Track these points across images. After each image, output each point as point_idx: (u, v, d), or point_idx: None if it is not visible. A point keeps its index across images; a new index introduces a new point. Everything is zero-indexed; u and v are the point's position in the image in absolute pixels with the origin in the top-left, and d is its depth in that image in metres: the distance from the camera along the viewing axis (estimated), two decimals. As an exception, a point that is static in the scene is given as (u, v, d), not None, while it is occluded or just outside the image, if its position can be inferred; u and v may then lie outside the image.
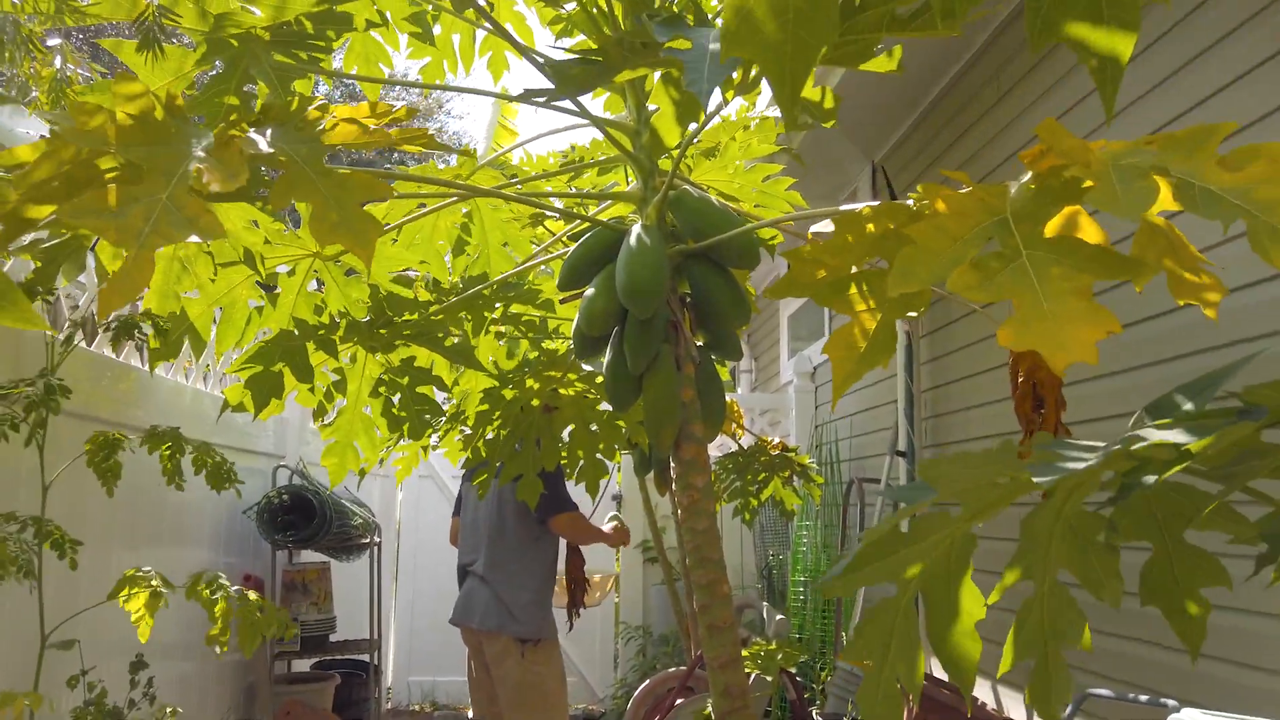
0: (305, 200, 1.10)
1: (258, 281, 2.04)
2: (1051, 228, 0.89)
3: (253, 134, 1.14)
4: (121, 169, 1.02)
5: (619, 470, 6.50)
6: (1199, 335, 2.31)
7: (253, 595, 2.52)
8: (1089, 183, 0.88)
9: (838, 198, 5.21)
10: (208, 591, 2.42)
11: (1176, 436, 0.57)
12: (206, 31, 1.67)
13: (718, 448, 5.91)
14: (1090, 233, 0.96)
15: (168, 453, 2.73)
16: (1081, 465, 0.55)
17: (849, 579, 0.64)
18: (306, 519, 4.75)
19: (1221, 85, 2.25)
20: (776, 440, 4.17)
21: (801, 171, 4.75)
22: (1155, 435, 0.58)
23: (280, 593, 4.90)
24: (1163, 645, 2.42)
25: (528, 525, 3.80)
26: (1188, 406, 0.63)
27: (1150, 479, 0.57)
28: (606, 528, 4.16)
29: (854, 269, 1.01)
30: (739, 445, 4.16)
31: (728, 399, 4.65)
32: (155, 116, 1.13)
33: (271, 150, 1.09)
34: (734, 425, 4.49)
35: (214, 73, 1.78)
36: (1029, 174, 0.95)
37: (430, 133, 1.38)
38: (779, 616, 4.44)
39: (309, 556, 5.26)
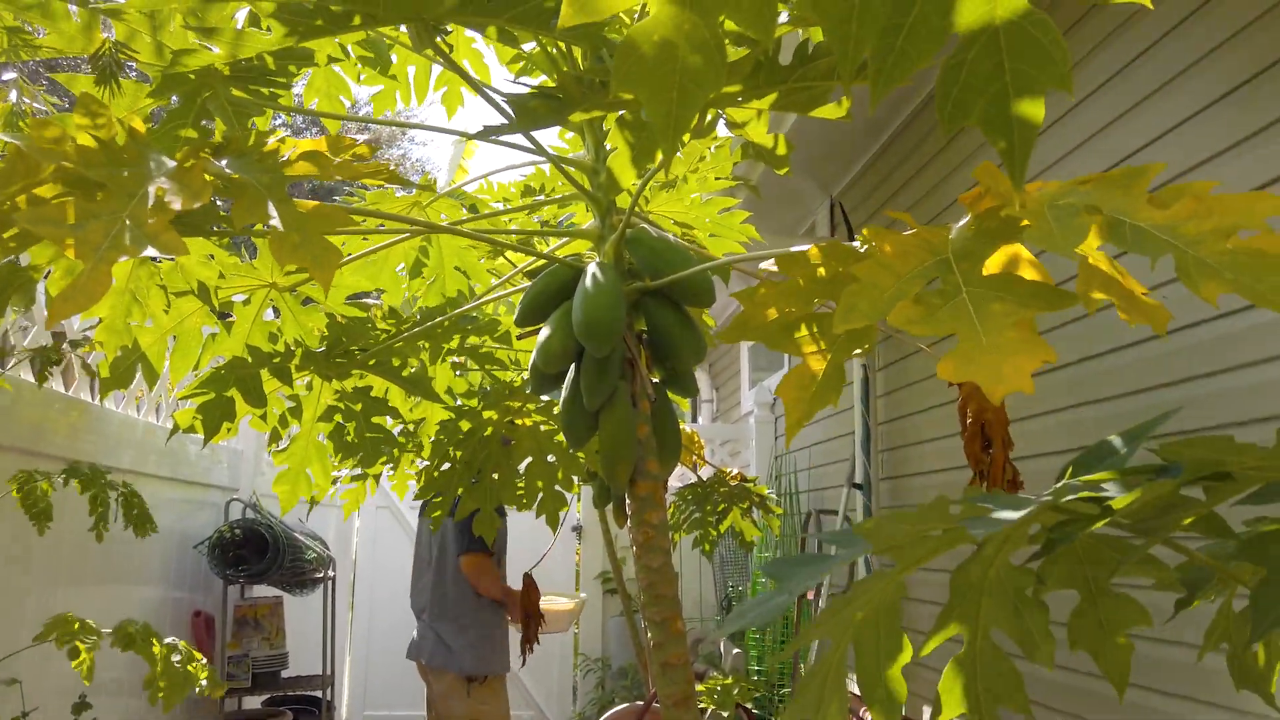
0: (265, 221, 1.10)
1: (213, 310, 2.02)
2: (992, 265, 0.91)
3: (215, 162, 1.14)
4: (82, 187, 1.01)
5: (579, 501, 6.48)
6: (1138, 375, 2.37)
7: (181, 645, 2.46)
8: (1026, 221, 0.90)
9: (796, 231, 5.27)
10: (137, 639, 2.35)
11: (1102, 493, 0.59)
12: (163, 67, 1.67)
13: (678, 478, 5.91)
14: (1026, 267, 0.99)
15: (91, 493, 2.65)
16: (1012, 518, 0.56)
17: (796, 645, 0.65)
18: (259, 553, 4.68)
19: (1159, 133, 2.32)
20: (736, 471, 4.19)
21: (760, 205, 4.81)
22: (1081, 492, 0.59)
23: (231, 628, 4.81)
24: (1080, 671, 2.45)
25: None
26: (1124, 452, 0.65)
27: (1075, 533, 0.58)
28: (564, 602, 4.17)
29: (803, 311, 1.03)
30: (698, 476, 4.17)
31: (688, 429, 4.67)
32: (117, 141, 1.13)
33: (234, 176, 1.10)
34: (694, 456, 4.49)
35: (171, 108, 1.77)
36: (969, 216, 0.98)
37: (391, 167, 1.39)
38: (735, 650, 4.43)
39: (261, 591, 5.17)
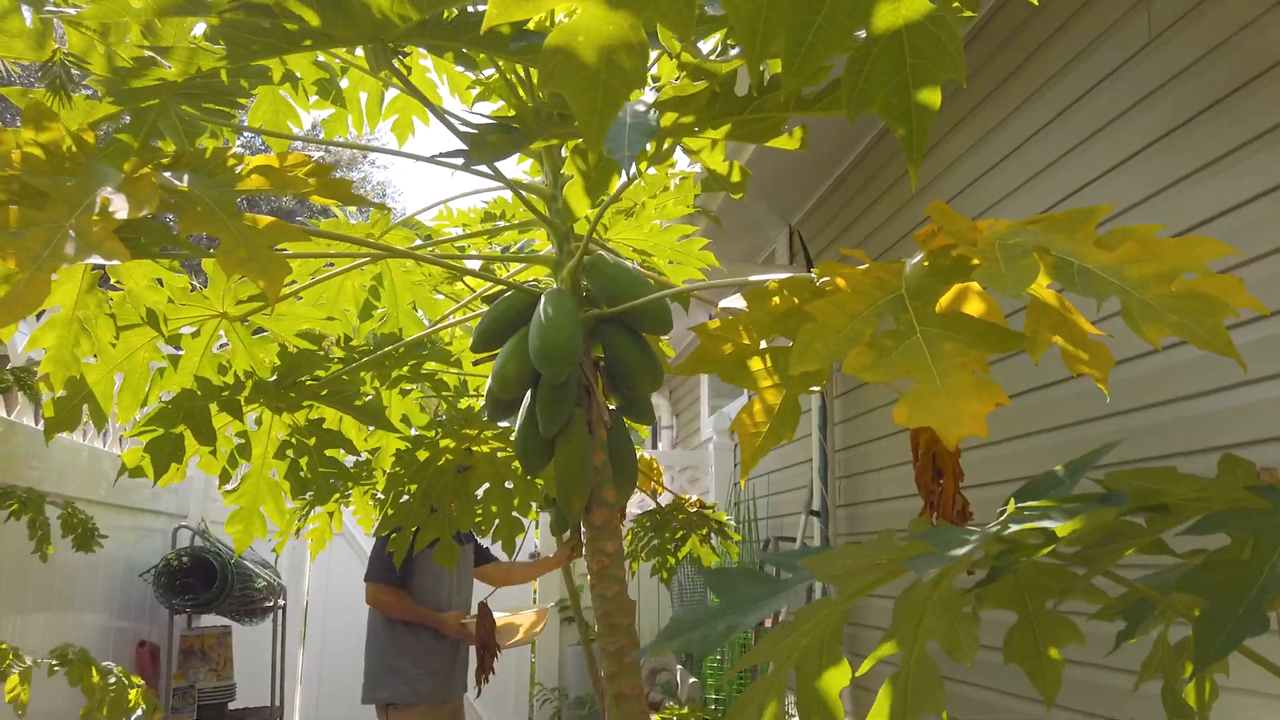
0: (215, 234, 1.07)
1: (161, 344, 1.97)
2: (944, 302, 0.92)
3: (165, 175, 1.12)
4: (28, 197, 0.99)
5: (537, 528, 6.42)
6: (1087, 405, 2.40)
7: (118, 669, 2.39)
8: (976, 261, 0.91)
9: (756, 259, 5.31)
10: (73, 667, 2.28)
11: (1045, 522, 0.59)
12: (117, 81, 1.64)
13: (636, 505, 5.89)
14: (977, 305, 1.00)
15: (27, 516, 2.57)
16: (960, 553, 0.56)
17: (743, 663, 0.65)
18: (207, 582, 4.57)
19: (1101, 172, 2.38)
20: (695, 498, 4.17)
21: (720, 233, 4.83)
22: (1026, 522, 0.60)
23: (177, 659, 4.69)
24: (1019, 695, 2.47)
25: None
26: (1067, 483, 0.66)
27: (1020, 562, 0.59)
28: (527, 614, 4.06)
29: (759, 345, 1.03)
30: (657, 503, 4.15)
31: (647, 456, 4.65)
32: (64, 151, 1.10)
33: (183, 188, 1.07)
34: (653, 483, 4.48)
35: (120, 125, 1.74)
36: (922, 252, 0.98)
37: (351, 183, 1.37)
38: (691, 680, 4.40)
39: (209, 620, 5.05)
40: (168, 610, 4.60)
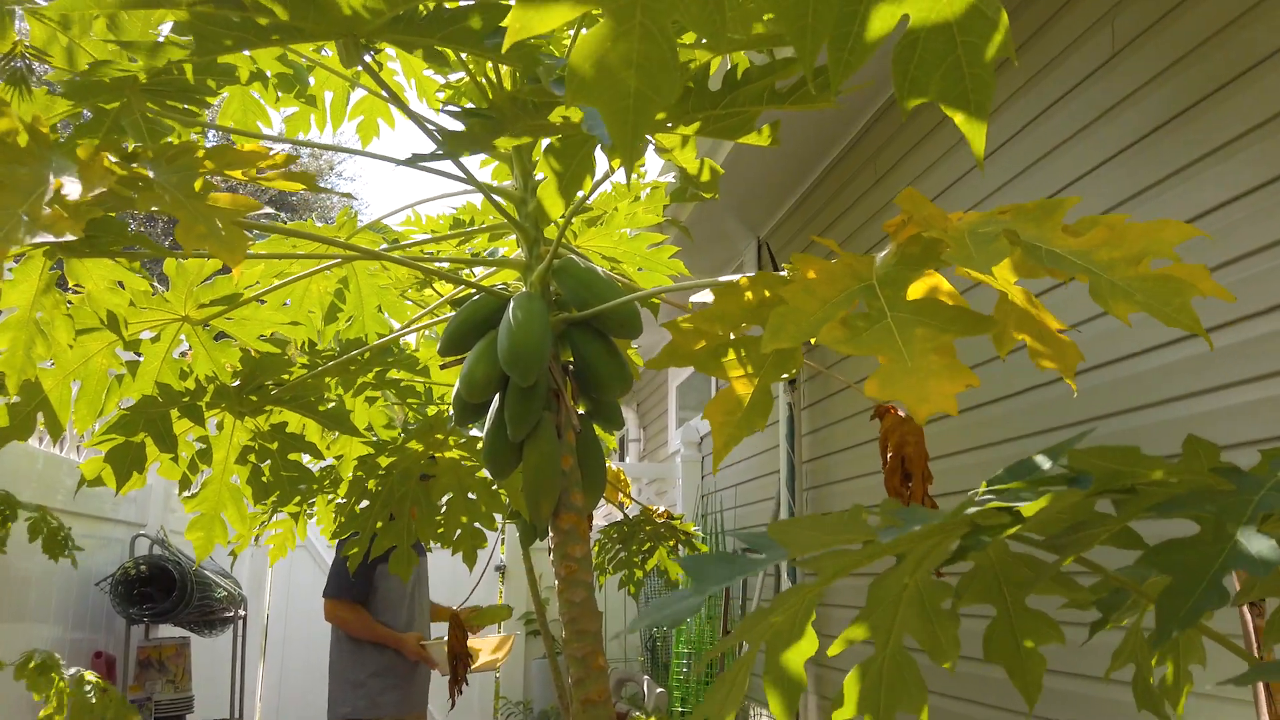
0: (172, 214, 1.05)
1: (120, 351, 1.93)
2: (914, 290, 0.92)
3: (115, 159, 1.10)
4: None
5: (502, 541, 6.38)
6: (1054, 412, 2.43)
7: (90, 676, 2.34)
8: (946, 245, 0.92)
9: (724, 271, 5.32)
10: (39, 672, 2.22)
11: (1011, 502, 0.59)
12: (78, 74, 1.61)
13: (603, 517, 5.87)
14: (948, 300, 1.00)
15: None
16: (924, 527, 0.56)
17: (719, 649, 0.64)
18: (165, 591, 4.48)
19: (1075, 177, 2.41)
20: (662, 509, 4.16)
21: (689, 245, 4.84)
22: (991, 502, 0.60)
23: (134, 670, 4.59)
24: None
25: None
26: (1047, 466, 0.66)
27: (986, 540, 0.59)
28: (486, 638, 3.92)
29: (731, 336, 1.02)
30: (624, 515, 4.14)
31: (614, 467, 4.64)
32: (19, 141, 1.07)
33: (139, 168, 1.05)
34: (620, 495, 4.46)
35: (81, 123, 1.70)
36: (892, 244, 0.99)
37: (315, 174, 1.35)
38: (658, 690, 4.38)
39: (167, 631, 4.96)
40: (125, 620, 4.51)
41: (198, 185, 1.04)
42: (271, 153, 1.14)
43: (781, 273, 1.08)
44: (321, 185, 1.36)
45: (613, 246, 2.36)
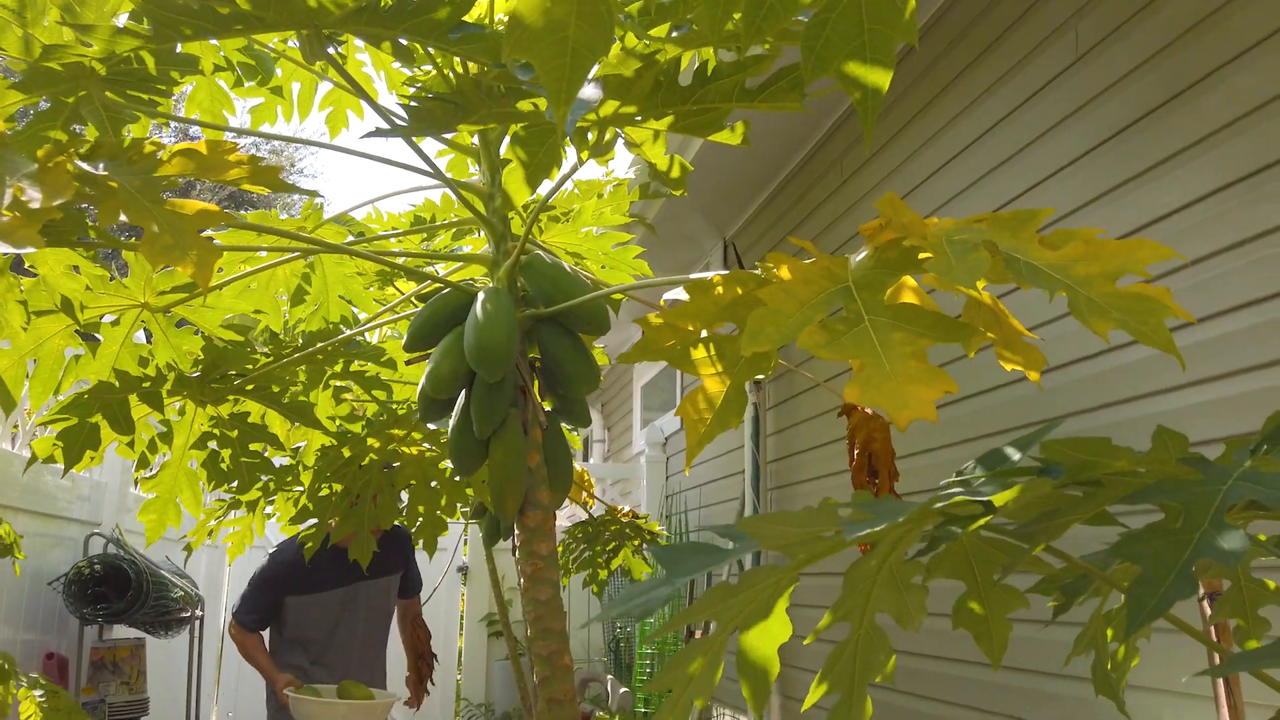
0: (137, 222, 1.02)
1: (78, 331, 1.90)
2: (891, 294, 0.93)
3: (81, 163, 1.07)
4: None
5: (465, 542, 6.34)
6: (1021, 411, 2.45)
7: (40, 679, 2.28)
8: (925, 254, 0.92)
9: (691, 271, 5.33)
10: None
11: (983, 492, 0.60)
12: (34, 63, 1.57)
13: (568, 518, 5.85)
14: (916, 300, 1.01)
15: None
16: (895, 519, 0.56)
17: (678, 621, 0.64)
18: (120, 591, 4.39)
19: (1041, 179, 2.44)
20: (627, 509, 4.16)
21: (655, 244, 4.84)
22: (957, 496, 0.60)
23: (87, 672, 4.50)
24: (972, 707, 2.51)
25: None
26: (1017, 457, 0.66)
27: (957, 530, 0.59)
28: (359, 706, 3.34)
29: (704, 333, 1.02)
30: (589, 515, 4.13)
31: (579, 468, 4.62)
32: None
33: (101, 174, 1.03)
34: (585, 495, 4.45)
35: (39, 111, 1.67)
36: (869, 247, 0.99)
37: (280, 169, 1.33)
38: (622, 689, 4.38)
39: (122, 632, 4.86)
40: (78, 621, 4.42)
41: (160, 172, 1.01)
42: (238, 148, 1.12)
43: (756, 266, 1.08)
44: (286, 182, 1.33)
45: (578, 243, 2.35)
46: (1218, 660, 1.28)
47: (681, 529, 5.35)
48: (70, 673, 4.42)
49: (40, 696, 2.22)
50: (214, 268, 0.94)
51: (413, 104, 1.20)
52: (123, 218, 1.04)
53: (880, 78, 0.80)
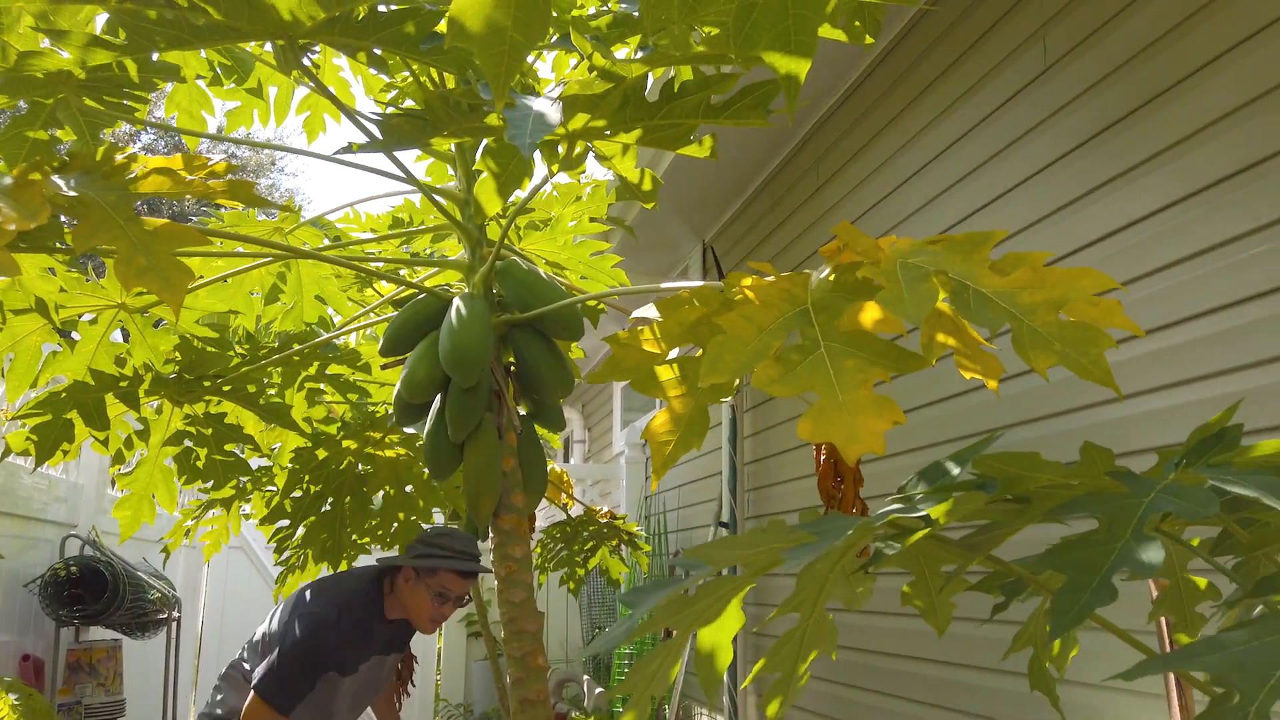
0: (110, 245, 1.04)
1: (54, 327, 1.91)
2: (847, 319, 0.95)
3: (56, 179, 1.08)
4: None
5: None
6: (986, 418, 2.50)
7: (14, 681, 2.29)
8: (880, 283, 0.94)
9: (670, 274, 5.36)
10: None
11: (920, 508, 0.63)
12: (9, 69, 1.58)
13: (546, 518, 5.87)
14: (877, 317, 1.03)
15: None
16: (834, 540, 0.59)
17: (643, 629, 0.67)
18: (97, 593, 4.38)
19: (1005, 189, 2.48)
20: (605, 510, 4.19)
21: (635, 248, 4.86)
22: (903, 509, 0.63)
23: (63, 673, 4.48)
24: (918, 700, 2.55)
25: None
26: (955, 471, 0.69)
27: (896, 545, 0.62)
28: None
29: (668, 354, 1.04)
30: (567, 515, 4.15)
31: (558, 468, 4.64)
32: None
33: (76, 194, 1.04)
34: (563, 495, 4.47)
35: (18, 114, 1.68)
36: (829, 267, 1.01)
37: (254, 184, 1.35)
38: (598, 690, 4.40)
39: (98, 634, 4.85)
40: (54, 622, 4.40)
41: (135, 189, 1.03)
42: (211, 161, 1.14)
43: (719, 277, 1.11)
44: (260, 197, 1.35)
45: (556, 252, 2.38)
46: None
47: (660, 529, 5.37)
48: (46, 674, 4.40)
49: (15, 700, 2.23)
50: (185, 290, 0.96)
51: (384, 119, 1.22)
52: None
53: (800, 63, 0.84)
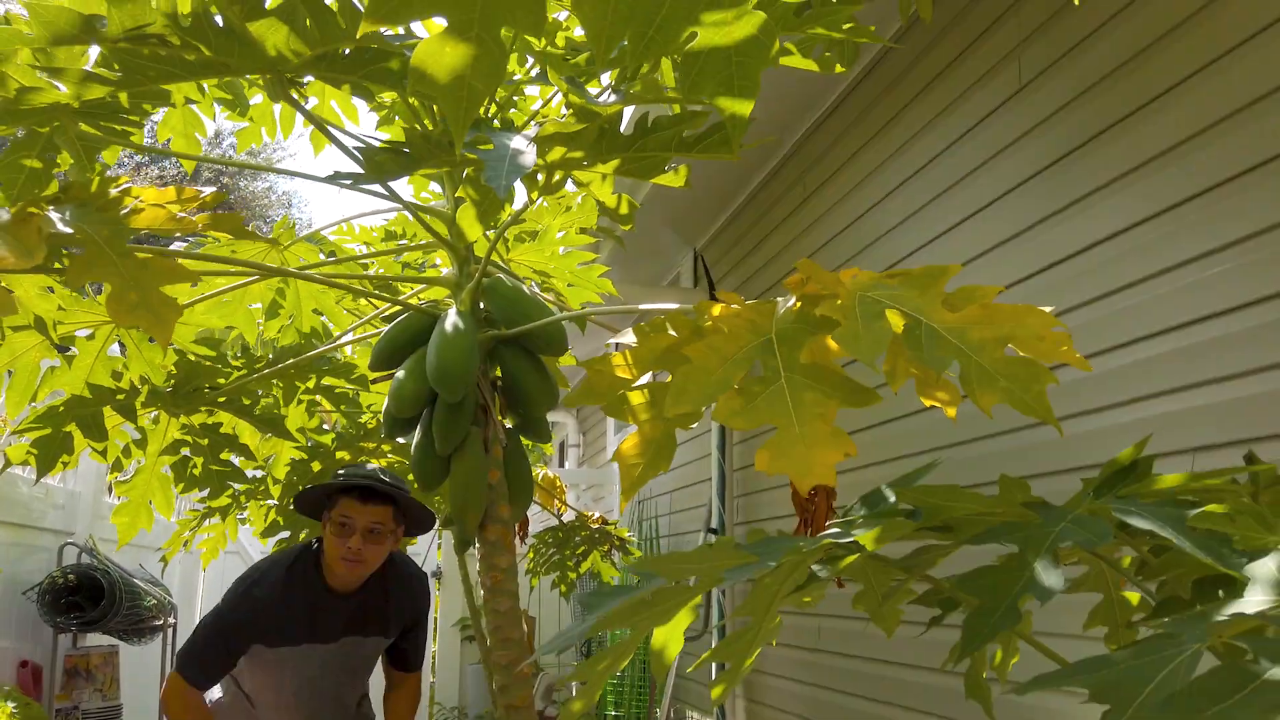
0: (104, 280, 1.09)
1: (53, 344, 1.97)
2: (807, 354, 0.99)
3: (52, 212, 1.14)
4: None
5: (439, 547, 6.39)
6: (956, 430, 2.55)
7: (11, 689, 2.34)
8: (838, 319, 0.98)
9: (661, 282, 5.42)
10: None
11: (855, 534, 0.68)
12: (6, 99, 1.63)
13: (540, 522, 5.92)
14: (835, 345, 1.08)
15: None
16: (771, 563, 0.64)
17: (599, 626, 0.73)
18: (94, 600, 4.44)
19: (980, 207, 2.54)
20: (598, 515, 4.24)
21: (627, 256, 4.91)
22: (839, 534, 0.68)
23: (61, 679, 4.53)
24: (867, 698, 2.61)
25: None
26: (891, 499, 0.74)
27: (824, 574, 0.67)
28: None
29: (638, 380, 1.09)
30: (559, 520, 4.20)
31: (551, 474, 4.68)
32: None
33: (71, 230, 1.09)
34: (556, 500, 4.52)
35: (16, 139, 1.73)
36: (794, 298, 1.06)
37: (241, 217, 1.40)
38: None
39: (95, 640, 4.90)
40: (52, 629, 4.46)
41: (130, 223, 1.08)
42: (203, 193, 1.19)
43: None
44: (247, 229, 1.39)
45: (545, 262, 2.43)
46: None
47: (652, 533, 5.43)
48: (44, 680, 4.45)
49: (14, 708, 2.28)
50: (174, 325, 1.01)
51: (367, 152, 1.28)
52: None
53: (743, 105, 0.89)
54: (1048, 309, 0.98)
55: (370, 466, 2.47)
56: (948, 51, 2.73)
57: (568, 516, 4.31)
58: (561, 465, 8.96)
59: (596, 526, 4.11)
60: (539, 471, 4.66)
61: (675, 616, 0.79)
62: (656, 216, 4.52)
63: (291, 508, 2.41)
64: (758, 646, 0.80)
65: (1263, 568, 0.56)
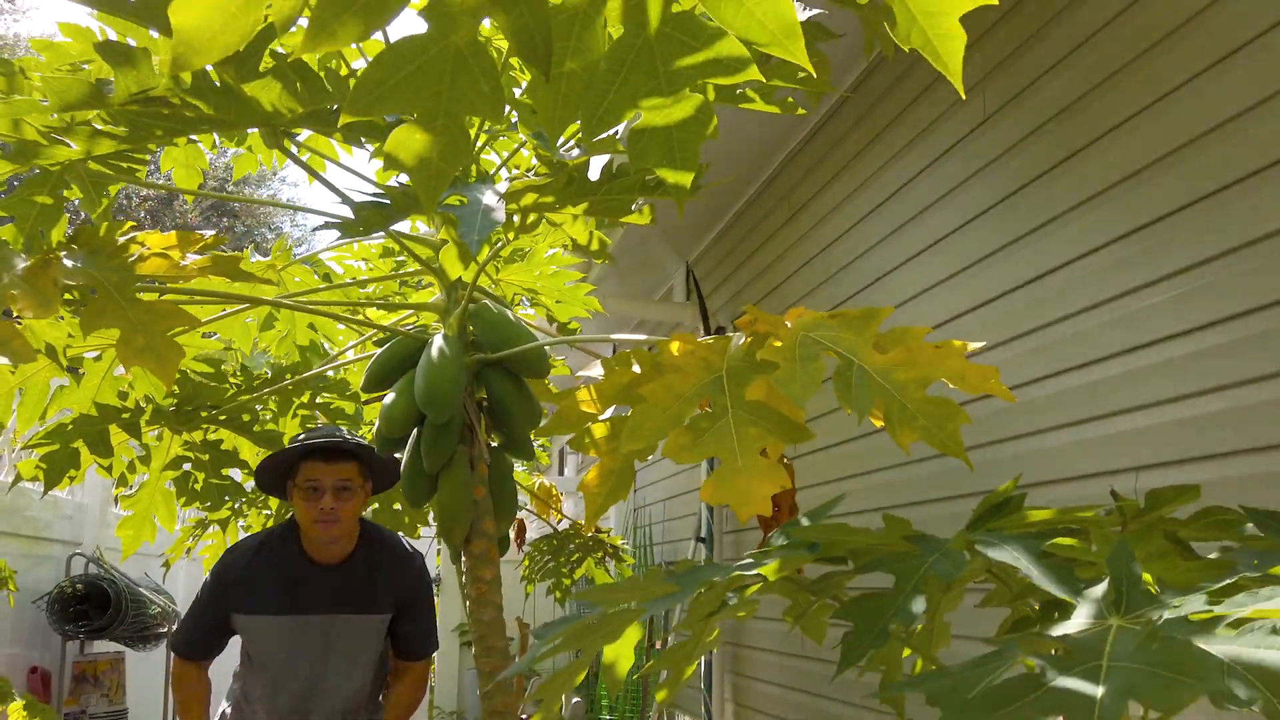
0: (114, 326, 1.20)
1: (62, 369, 2.08)
2: (751, 392, 1.08)
3: (65, 259, 1.25)
4: None
5: (438, 554, 6.50)
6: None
7: (27, 699, 2.45)
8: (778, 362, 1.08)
9: (653, 295, 5.52)
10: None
11: (760, 566, 0.79)
12: (19, 140, 1.74)
13: (535, 531, 6.01)
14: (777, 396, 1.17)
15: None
16: (691, 592, 0.75)
17: (547, 654, 0.83)
18: (101, 609, 4.56)
19: (947, 232, 2.66)
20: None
21: (620, 270, 5.01)
22: (750, 564, 0.79)
23: (69, 684, 4.65)
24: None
25: None
26: (806, 524, 0.85)
27: (733, 600, 0.78)
28: None
29: (600, 414, 1.19)
30: (554, 528, 4.30)
31: (547, 482, 4.78)
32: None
33: (84, 281, 1.20)
34: (550, 509, 4.62)
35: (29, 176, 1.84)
36: (745, 337, 1.15)
37: (240, 258, 1.51)
38: (575, 699, 4.55)
39: (102, 646, 5.02)
40: (60, 636, 4.58)
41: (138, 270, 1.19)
42: (205, 235, 1.30)
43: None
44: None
45: (533, 281, 2.53)
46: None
47: (646, 541, 5.53)
48: (53, 685, 4.57)
49: (25, 711, 2.39)
50: (177, 366, 1.12)
51: (355, 206, 1.38)
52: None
53: (685, 175, 0.99)
54: (976, 345, 1.09)
55: (325, 426, 2.50)
56: (919, 80, 2.83)
57: (563, 525, 4.41)
58: (561, 473, 9.07)
59: (590, 535, 4.21)
60: (536, 480, 4.77)
61: (624, 634, 0.89)
62: (649, 230, 4.62)
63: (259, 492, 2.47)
64: (697, 657, 0.90)
65: (1096, 592, 0.66)
